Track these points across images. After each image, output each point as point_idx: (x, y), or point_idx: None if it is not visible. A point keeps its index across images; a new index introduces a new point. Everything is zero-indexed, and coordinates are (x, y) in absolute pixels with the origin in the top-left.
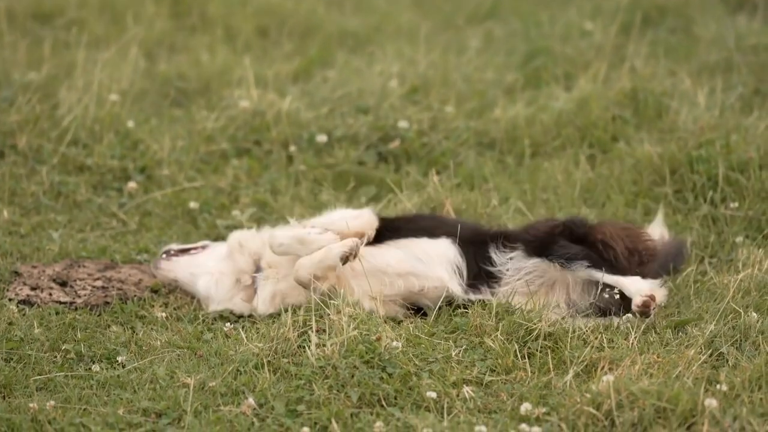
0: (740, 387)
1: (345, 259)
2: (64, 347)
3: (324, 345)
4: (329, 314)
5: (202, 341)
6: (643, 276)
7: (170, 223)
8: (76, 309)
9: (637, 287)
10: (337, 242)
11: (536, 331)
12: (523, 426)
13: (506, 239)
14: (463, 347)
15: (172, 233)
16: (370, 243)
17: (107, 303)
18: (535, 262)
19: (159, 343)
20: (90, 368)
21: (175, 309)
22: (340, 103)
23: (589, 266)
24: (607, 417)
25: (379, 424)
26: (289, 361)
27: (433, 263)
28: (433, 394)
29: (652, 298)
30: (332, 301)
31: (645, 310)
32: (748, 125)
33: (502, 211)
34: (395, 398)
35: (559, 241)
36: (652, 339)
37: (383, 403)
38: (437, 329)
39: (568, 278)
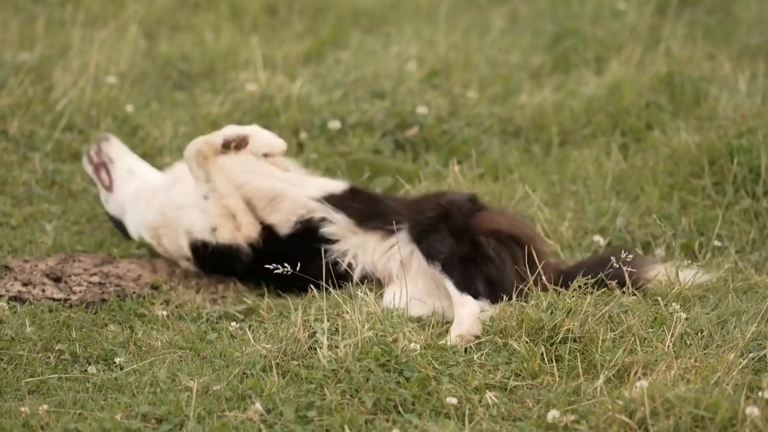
0: None
1: (227, 145)
2: (57, 347)
3: (337, 347)
4: (343, 313)
5: (206, 342)
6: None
7: None
8: (70, 306)
9: (460, 315)
10: None
11: (564, 333)
12: None
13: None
14: (486, 350)
15: None
16: None
17: (104, 300)
18: (412, 248)
19: (159, 343)
20: (86, 370)
21: (176, 307)
22: (354, 87)
23: (441, 270)
24: (640, 426)
25: (395, 431)
26: (299, 363)
27: (309, 191)
28: (454, 400)
29: (463, 337)
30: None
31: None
32: None
33: (528, 204)
34: (413, 404)
35: (436, 231)
36: (689, 342)
37: (400, 409)
38: None
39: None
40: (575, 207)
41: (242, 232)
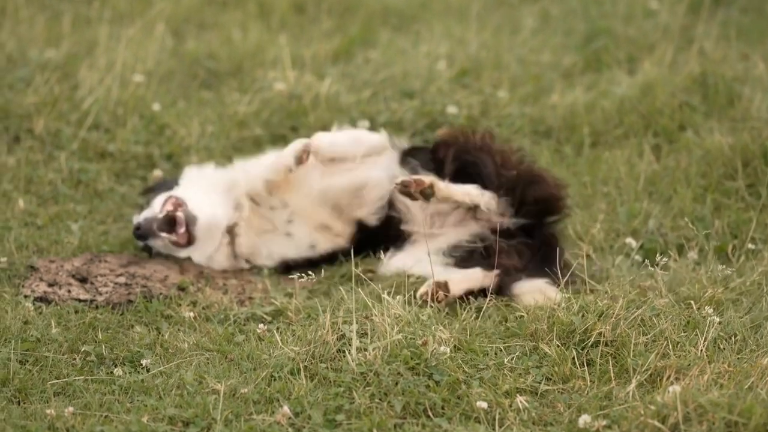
0: None
1: (299, 159)
2: (83, 349)
3: (365, 349)
4: (372, 316)
5: (233, 344)
6: None
7: None
8: (96, 307)
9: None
10: None
11: (596, 337)
12: None
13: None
14: (517, 353)
15: None
16: None
17: (130, 301)
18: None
19: (186, 345)
20: (112, 372)
21: (203, 308)
22: (383, 87)
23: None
24: (673, 431)
25: None
26: (327, 366)
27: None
28: (484, 404)
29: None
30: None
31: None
32: None
33: None
34: (442, 408)
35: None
36: (722, 346)
37: (429, 413)
38: (488, 332)
39: None
40: (607, 209)
41: (342, 236)
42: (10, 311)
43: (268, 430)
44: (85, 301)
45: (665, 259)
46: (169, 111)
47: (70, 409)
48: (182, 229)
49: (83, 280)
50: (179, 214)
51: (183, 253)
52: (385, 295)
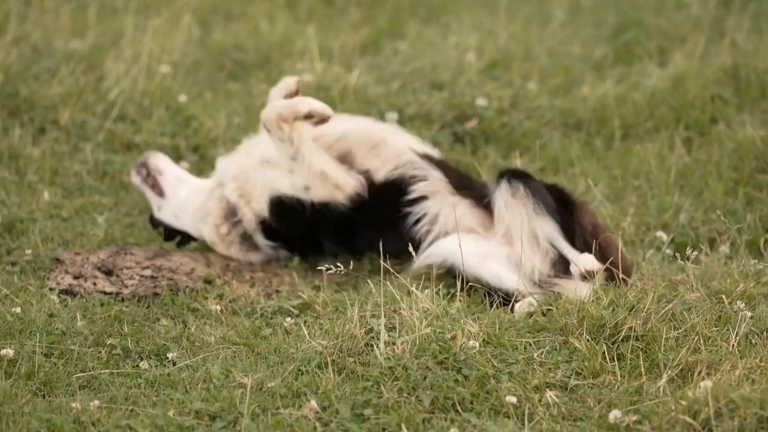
0: None
1: (310, 116)
2: (109, 342)
3: (394, 343)
4: (400, 309)
5: (260, 337)
6: None
7: None
8: (122, 300)
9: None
10: None
11: (626, 331)
12: None
13: None
14: (546, 348)
15: None
16: None
17: (156, 294)
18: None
19: (213, 338)
20: (137, 365)
21: (230, 301)
22: (412, 79)
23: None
24: (704, 427)
25: (453, 431)
26: (355, 360)
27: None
28: (513, 399)
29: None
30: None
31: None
32: None
33: (589, 199)
34: (471, 403)
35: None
36: (754, 341)
37: (458, 408)
38: (518, 326)
39: None
40: (637, 202)
41: (342, 189)
42: (36, 304)
43: (295, 424)
44: (110, 293)
45: (696, 253)
46: (196, 102)
47: (96, 402)
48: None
49: (109, 273)
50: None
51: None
52: (413, 289)
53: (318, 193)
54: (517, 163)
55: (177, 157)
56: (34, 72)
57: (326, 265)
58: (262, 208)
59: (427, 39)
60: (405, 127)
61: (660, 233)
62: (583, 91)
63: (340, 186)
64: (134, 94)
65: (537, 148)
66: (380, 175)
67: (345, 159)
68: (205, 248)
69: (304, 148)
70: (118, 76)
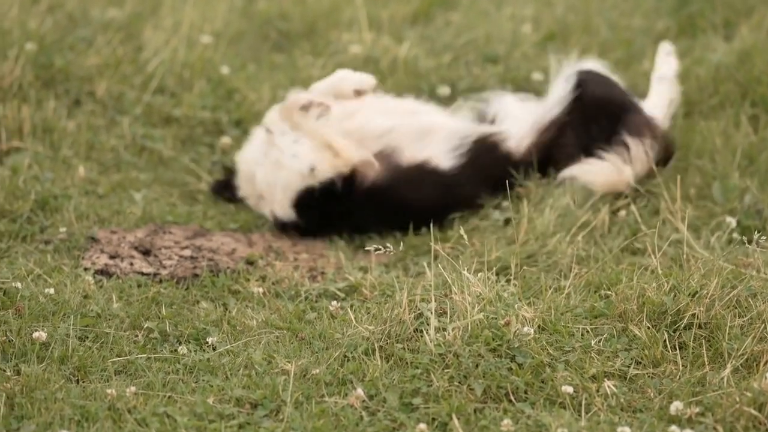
0: None
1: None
2: (146, 325)
3: (444, 329)
4: (451, 294)
5: (305, 322)
6: None
7: None
8: (160, 281)
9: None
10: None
11: (688, 318)
12: (673, 428)
13: None
14: (605, 335)
15: None
16: None
17: (196, 275)
18: None
19: (255, 322)
20: (176, 350)
21: (273, 284)
22: (464, 51)
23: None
24: None
25: (506, 421)
26: (404, 347)
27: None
28: (570, 389)
29: None
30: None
31: None
32: None
33: (649, 180)
34: (525, 392)
35: None
36: None
37: (512, 397)
38: (575, 312)
39: None
40: (701, 183)
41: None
42: (69, 285)
43: (340, 413)
44: (148, 274)
45: (763, 237)
46: (239, 74)
47: (132, 388)
48: None
49: (146, 253)
50: None
51: None
52: (465, 272)
53: (324, 167)
54: None
55: (218, 132)
56: (70, 42)
57: (374, 246)
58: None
59: (481, 9)
60: (456, 102)
61: (725, 216)
62: (644, 65)
63: (340, 154)
64: (174, 66)
65: None
66: (443, 160)
67: (391, 155)
68: (247, 227)
69: (305, 122)
70: (158, 47)
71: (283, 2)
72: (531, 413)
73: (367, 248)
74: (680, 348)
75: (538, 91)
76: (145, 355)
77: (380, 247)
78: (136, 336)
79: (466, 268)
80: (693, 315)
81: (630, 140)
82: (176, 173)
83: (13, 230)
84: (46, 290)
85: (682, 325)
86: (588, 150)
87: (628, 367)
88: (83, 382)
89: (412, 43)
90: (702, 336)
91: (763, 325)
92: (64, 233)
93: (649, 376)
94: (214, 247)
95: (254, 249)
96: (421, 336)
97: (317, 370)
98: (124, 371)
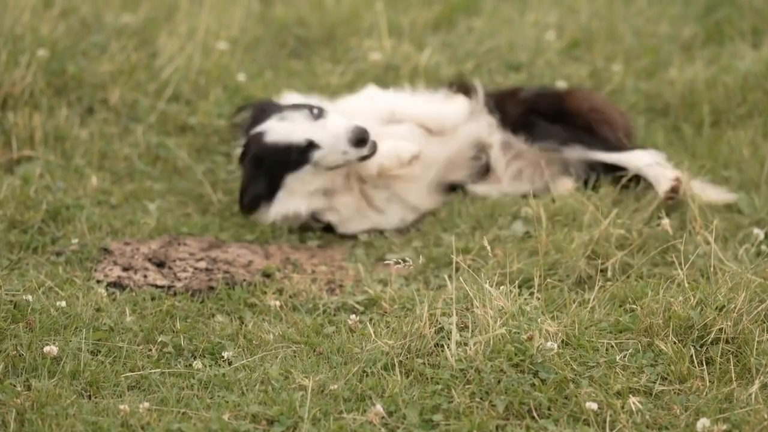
0: None
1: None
2: (160, 339)
3: (466, 344)
4: (473, 308)
5: (323, 336)
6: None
7: None
8: (174, 294)
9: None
10: None
11: (716, 333)
12: None
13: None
14: (630, 350)
15: None
16: None
17: (211, 288)
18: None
19: (271, 336)
20: (190, 365)
21: (290, 297)
22: (487, 58)
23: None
24: None
25: None
26: (424, 362)
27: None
28: (594, 405)
29: (678, 179)
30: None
31: (674, 195)
32: None
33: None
34: (549, 409)
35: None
36: None
37: (534, 414)
38: (599, 326)
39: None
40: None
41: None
42: (82, 297)
43: (359, 429)
44: (162, 287)
45: None
46: (255, 82)
47: (146, 404)
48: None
49: (160, 265)
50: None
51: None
52: (487, 286)
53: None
54: None
55: (234, 140)
56: (83, 48)
57: (394, 259)
58: None
59: (504, 15)
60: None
61: (752, 228)
62: (670, 73)
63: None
64: (189, 73)
65: None
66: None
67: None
68: (264, 239)
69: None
70: (172, 53)
71: (301, 8)
72: (554, 430)
73: (386, 261)
74: (707, 363)
75: None
76: (158, 370)
77: (399, 260)
78: (150, 350)
79: (488, 281)
80: (720, 329)
81: None
82: (191, 183)
83: (24, 241)
84: (58, 303)
85: (709, 340)
86: None
87: (654, 383)
88: (95, 397)
89: (433, 50)
90: (729, 351)
91: None
92: (76, 244)
93: (675, 393)
94: (229, 259)
95: (271, 261)
96: (442, 351)
97: (335, 386)
98: (138, 386)
